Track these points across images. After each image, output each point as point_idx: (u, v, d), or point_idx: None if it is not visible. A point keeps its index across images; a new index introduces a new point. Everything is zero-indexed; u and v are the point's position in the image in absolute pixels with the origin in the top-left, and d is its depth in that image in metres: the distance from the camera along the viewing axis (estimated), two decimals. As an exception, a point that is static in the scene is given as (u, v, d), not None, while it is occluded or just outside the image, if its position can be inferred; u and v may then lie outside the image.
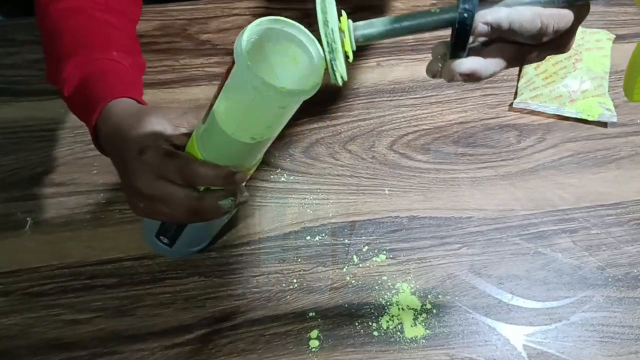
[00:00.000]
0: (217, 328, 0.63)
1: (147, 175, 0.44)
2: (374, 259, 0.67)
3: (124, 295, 0.65)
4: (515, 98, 0.79)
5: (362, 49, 0.82)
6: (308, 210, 0.70)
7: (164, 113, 0.45)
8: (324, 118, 0.76)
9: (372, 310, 0.64)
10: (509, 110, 0.79)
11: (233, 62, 0.37)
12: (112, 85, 0.52)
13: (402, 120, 0.77)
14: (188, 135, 0.46)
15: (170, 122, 0.45)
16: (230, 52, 0.81)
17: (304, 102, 0.39)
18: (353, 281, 0.66)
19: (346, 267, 0.67)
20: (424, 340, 0.62)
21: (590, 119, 0.76)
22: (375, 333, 0.63)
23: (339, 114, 0.77)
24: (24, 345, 0.62)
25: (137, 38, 0.63)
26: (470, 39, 0.36)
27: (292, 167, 0.73)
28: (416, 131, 0.76)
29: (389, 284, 0.66)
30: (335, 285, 0.66)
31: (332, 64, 0.35)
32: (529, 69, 0.80)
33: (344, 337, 0.63)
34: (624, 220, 0.70)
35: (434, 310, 0.64)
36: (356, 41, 0.37)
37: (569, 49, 0.40)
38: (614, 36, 0.82)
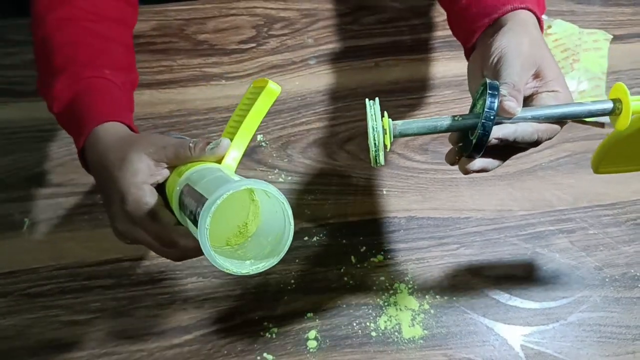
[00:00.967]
0: (216, 329, 0.63)
1: (128, 224, 0.46)
2: (372, 259, 0.67)
3: (123, 296, 0.65)
4: (513, 98, 0.79)
5: (361, 50, 0.82)
6: (306, 211, 0.70)
7: (144, 147, 0.47)
8: (321, 119, 0.76)
9: (370, 311, 0.64)
10: (506, 111, 0.79)
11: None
12: (100, 107, 0.52)
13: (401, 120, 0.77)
14: (169, 168, 0.47)
15: (150, 156, 0.46)
16: (227, 52, 0.81)
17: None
18: (351, 282, 0.66)
19: (344, 267, 0.67)
20: (421, 341, 0.63)
21: (587, 119, 0.76)
22: (373, 333, 0.63)
23: (337, 114, 0.77)
24: (22, 346, 0.62)
25: (133, 48, 0.62)
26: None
27: (290, 168, 0.73)
28: (414, 131, 0.76)
29: (387, 284, 0.66)
30: (333, 285, 0.66)
31: (375, 156, 0.45)
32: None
33: (342, 337, 0.63)
34: (622, 221, 0.70)
35: (432, 311, 0.64)
36: (393, 136, 0.46)
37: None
38: (612, 37, 0.82)
